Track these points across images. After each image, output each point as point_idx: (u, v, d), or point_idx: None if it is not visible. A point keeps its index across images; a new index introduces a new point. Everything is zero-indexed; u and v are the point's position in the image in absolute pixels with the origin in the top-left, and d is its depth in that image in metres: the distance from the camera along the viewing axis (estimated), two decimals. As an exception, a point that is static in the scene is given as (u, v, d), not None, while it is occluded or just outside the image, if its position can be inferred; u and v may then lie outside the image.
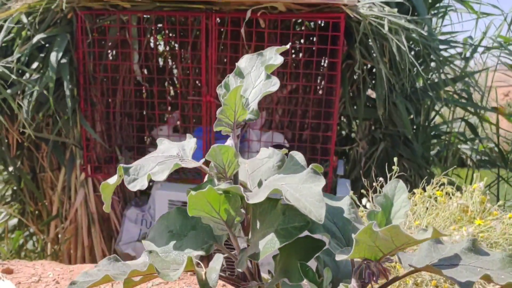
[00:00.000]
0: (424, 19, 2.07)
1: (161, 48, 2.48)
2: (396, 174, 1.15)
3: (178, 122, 2.43)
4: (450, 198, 1.09)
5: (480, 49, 2.90)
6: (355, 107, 2.36)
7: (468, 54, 2.74)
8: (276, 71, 2.33)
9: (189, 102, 2.15)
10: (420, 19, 2.04)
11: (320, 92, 2.44)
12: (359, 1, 1.82)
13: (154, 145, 2.38)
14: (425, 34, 1.90)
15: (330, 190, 2.00)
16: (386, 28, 1.75)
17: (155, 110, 2.26)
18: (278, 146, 2.24)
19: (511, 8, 2.88)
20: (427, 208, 1.09)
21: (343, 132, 2.68)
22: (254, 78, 0.54)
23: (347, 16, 1.78)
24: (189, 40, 2.05)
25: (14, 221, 2.61)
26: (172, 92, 2.60)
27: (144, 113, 2.40)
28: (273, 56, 0.53)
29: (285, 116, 2.53)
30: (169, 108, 2.61)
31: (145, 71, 2.31)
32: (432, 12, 2.65)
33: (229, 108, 0.50)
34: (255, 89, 0.53)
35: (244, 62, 0.56)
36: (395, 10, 1.85)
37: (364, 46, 2.02)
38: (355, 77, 2.26)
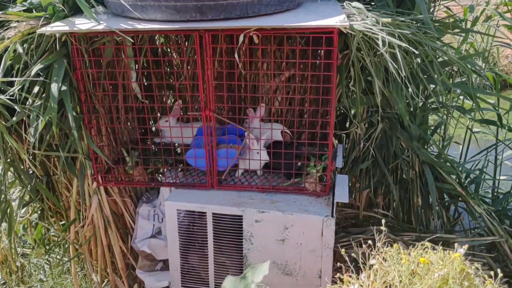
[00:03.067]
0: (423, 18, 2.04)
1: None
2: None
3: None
4: (432, 263, 1.20)
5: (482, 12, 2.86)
6: (351, 91, 2.38)
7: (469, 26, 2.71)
8: (272, 61, 2.34)
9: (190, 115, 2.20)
10: (418, 18, 2.01)
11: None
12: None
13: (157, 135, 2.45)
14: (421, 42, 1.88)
15: (328, 191, 2.11)
16: (381, 45, 1.74)
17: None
18: (277, 142, 2.32)
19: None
20: (412, 272, 1.20)
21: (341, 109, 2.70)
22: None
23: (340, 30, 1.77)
24: (184, 59, 2.05)
25: (35, 215, 2.79)
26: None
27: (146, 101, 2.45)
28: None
29: (283, 104, 2.57)
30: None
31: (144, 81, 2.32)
32: None
33: None
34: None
35: (228, 284, 0.64)
36: (389, 19, 1.82)
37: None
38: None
